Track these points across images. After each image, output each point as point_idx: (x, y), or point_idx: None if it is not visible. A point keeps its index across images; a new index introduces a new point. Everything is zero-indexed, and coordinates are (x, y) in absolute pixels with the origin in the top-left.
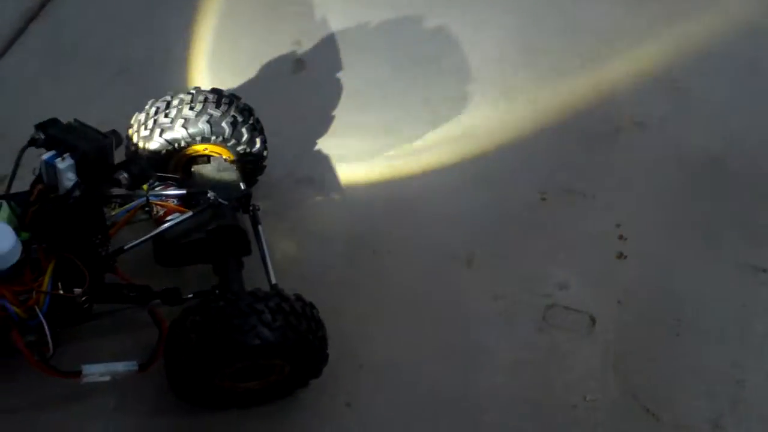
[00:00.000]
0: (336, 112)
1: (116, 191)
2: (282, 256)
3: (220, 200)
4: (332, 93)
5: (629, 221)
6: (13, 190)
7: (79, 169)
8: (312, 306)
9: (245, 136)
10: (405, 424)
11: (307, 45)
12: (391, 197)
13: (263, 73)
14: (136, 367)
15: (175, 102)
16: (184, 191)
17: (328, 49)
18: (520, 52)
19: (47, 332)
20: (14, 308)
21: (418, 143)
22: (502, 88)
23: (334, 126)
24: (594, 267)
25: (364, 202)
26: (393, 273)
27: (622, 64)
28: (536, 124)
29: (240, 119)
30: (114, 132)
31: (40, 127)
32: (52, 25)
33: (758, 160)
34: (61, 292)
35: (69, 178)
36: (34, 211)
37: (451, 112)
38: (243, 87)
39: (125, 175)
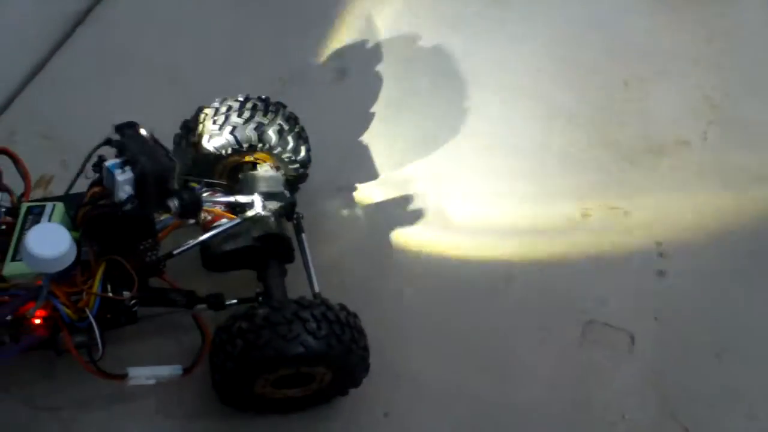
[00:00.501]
0: (376, 121)
1: None
2: (321, 264)
3: (266, 208)
4: (373, 102)
5: (670, 239)
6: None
7: (136, 184)
8: (355, 316)
9: (291, 145)
10: None
11: (350, 54)
12: (431, 207)
13: (306, 81)
14: (180, 371)
15: (223, 109)
16: (231, 198)
17: (370, 59)
18: (560, 69)
19: (97, 334)
20: (65, 309)
21: (457, 155)
22: (543, 104)
23: (375, 134)
24: (634, 284)
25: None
26: (433, 286)
27: (665, 83)
28: (577, 141)
29: (286, 128)
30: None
31: (118, 129)
32: (98, 29)
33: None
34: (111, 294)
35: (125, 191)
36: (85, 213)
37: (490, 127)
38: (286, 94)
39: (176, 203)
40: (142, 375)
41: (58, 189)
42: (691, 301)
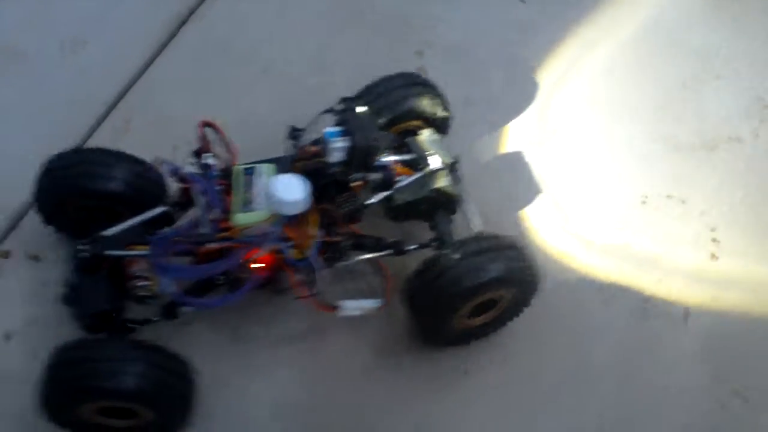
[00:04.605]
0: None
1: None
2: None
3: (440, 163)
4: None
5: (723, 226)
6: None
7: (347, 153)
8: (525, 248)
9: (435, 108)
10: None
11: (428, 54)
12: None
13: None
14: (380, 303)
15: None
16: (408, 156)
17: (449, 58)
18: (628, 70)
19: (316, 271)
20: (291, 251)
21: (530, 146)
22: (605, 101)
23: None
24: (689, 265)
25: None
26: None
27: (721, 83)
28: (637, 134)
29: (432, 95)
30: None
31: (344, 100)
32: (200, 27)
33: None
34: (326, 238)
35: (336, 156)
36: (302, 165)
37: (561, 113)
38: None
39: (376, 177)
40: (350, 307)
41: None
42: (742, 282)
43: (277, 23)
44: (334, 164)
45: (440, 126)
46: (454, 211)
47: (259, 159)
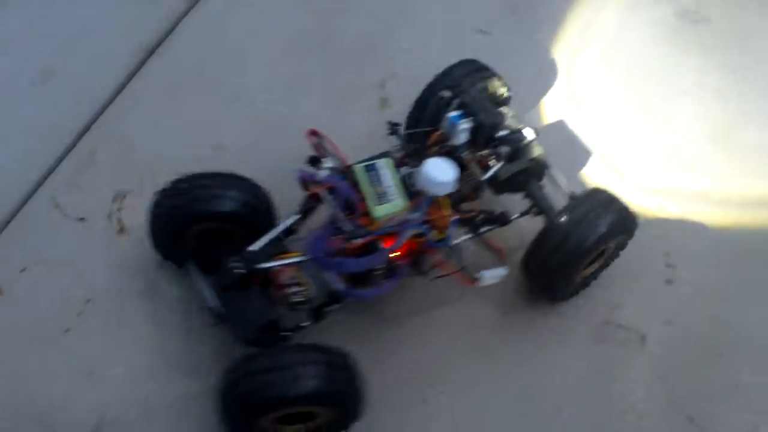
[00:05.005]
0: None
1: None
2: None
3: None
4: None
5: (678, 251)
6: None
7: (472, 133)
8: (619, 198)
9: (506, 94)
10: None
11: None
12: None
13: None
14: (506, 272)
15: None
16: (506, 132)
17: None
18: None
19: (456, 248)
20: (432, 233)
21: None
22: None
23: None
24: (645, 290)
25: None
26: None
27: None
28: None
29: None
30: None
31: (449, 87)
32: (169, 58)
33: None
34: (458, 216)
35: (462, 138)
36: (433, 152)
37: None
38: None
39: (507, 149)
40: (488, 276)
41: (134, 203)
42: (696, 306)
43: (246, 52)
44: (461, 145)
45: (502, 104)
46: (542, 178)
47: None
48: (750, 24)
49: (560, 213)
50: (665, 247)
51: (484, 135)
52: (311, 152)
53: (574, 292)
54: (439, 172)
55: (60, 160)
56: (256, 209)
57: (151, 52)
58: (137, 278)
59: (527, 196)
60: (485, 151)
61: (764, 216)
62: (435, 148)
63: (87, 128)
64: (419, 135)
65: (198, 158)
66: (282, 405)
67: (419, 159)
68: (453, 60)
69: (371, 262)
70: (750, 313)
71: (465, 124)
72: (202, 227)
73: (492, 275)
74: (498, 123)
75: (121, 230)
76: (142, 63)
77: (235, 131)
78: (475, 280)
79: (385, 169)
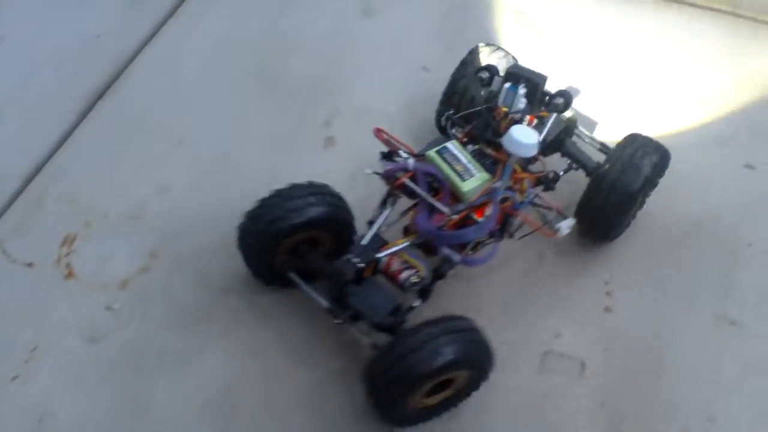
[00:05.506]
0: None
1: None
2: None
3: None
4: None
5: (616, 279)
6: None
7: (528, 96)
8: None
9: None
10: None
11: (336, 124)
12: None
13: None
14: (575, 221)
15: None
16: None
17: (355, 126)
18: None
19: (538, 208)
20: (517, 195)
21: None
22: None
23: None
24: (585, 319)
25: None
26: None
27: None
28: None
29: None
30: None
31: (486, 69)
32: (117, 103)
33: (736, 226)
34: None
35: (521, 102)
36: (507, 123)
37: None
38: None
39: (562, 100)
40: (564, 227)
41: (82, 247)
42: (634, 332)
43: (193, 94)
44: (523, 111)
45: None
46: (572, 136)
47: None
48: None
49: (606, 162)
50: (605, 276)
51: (540, 93)
52: (383, 148)
53: (627, 226)
54: (525, 136)
55: (7, 206)
56: (339, 207)
57: (99, 96)
58: (84, 323)
59: (564, 154)
60: (542, 108)
61: (697, 239)
62: (505, 123)
63: (35, 173)
64: (465, 118)
65: (145, 200)
66: (433, 375)
67: (484, 137)
68: (399, 97)
69: (486, 228)
70: (683, 333)
71: (522, 90)
72: (293, 240)
73: (567, 225)
74: (546, 78)
75: (70, 274)
76: (91, 107)
77: (182, 173)
78: (555, 231)
79: (457, 150)
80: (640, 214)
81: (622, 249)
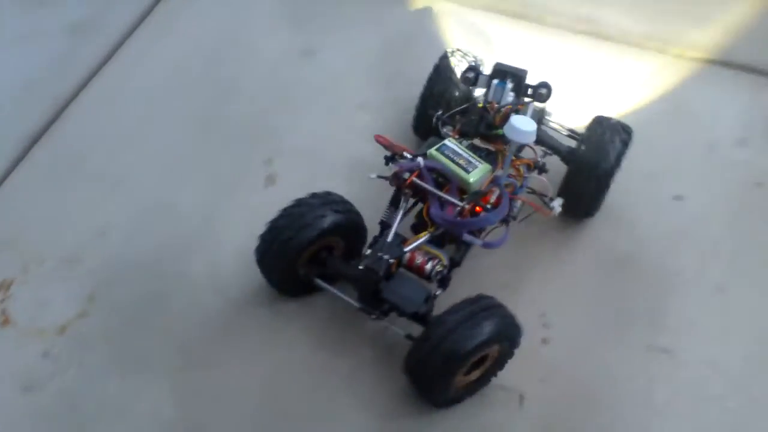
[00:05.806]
0: None
1: None
2: None
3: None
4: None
5: (552, 311)
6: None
7: (514, 89)
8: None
9: None
10: None
11: (277, 162)
12: None
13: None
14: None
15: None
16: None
17: (296, 164)
18: None
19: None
20: (518, 180)
21: None
22: None
23: None
24: (523, 351)
25: None
26: None
27: None
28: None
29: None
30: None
31: (471, 70)
32: (54, 146)
33: (663, 256)
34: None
35: (509, 95)
36: (501, 116)
37: None
38: (219, 198)
39: (546, 90)
40: (557, 205)
41: (19, 292)
42: (571, 363)
43: (131, 137)
44: (513, 103)
45: None
46: (542, 124)
47: None
48: None
49: (581, 144)
50: (541, 308)
51: (524, 85)
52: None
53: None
54: (525, 124)
55: None
56: (351, 211)
57: (35, 140)
58: (20, 371)
59: (538, 141)
60: (526, 99)
61: (629, 270)
62: (499, 116)
63: None
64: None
65: (83, 243)
66: (474, 352)
67: (477, 131)
68: (337, 136)
69: (503, 212)
70: (617, 361)
71: (509, 84)
72: (311, 251)
73: (558, 204)
74: (527, 72)
75: (6, 321)
76: (26, 151)
77: (121, 216)
78: (550, 210)
79: (455, 146)
80: (574, 247)
81: (557, 281)
